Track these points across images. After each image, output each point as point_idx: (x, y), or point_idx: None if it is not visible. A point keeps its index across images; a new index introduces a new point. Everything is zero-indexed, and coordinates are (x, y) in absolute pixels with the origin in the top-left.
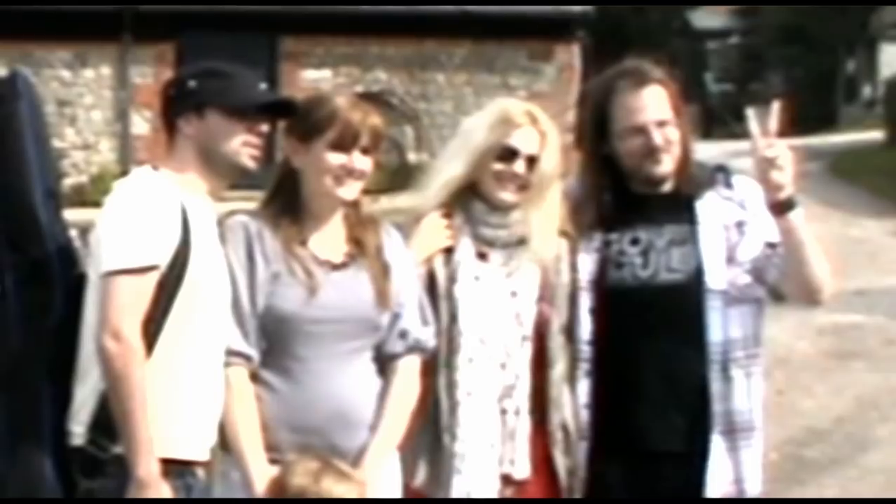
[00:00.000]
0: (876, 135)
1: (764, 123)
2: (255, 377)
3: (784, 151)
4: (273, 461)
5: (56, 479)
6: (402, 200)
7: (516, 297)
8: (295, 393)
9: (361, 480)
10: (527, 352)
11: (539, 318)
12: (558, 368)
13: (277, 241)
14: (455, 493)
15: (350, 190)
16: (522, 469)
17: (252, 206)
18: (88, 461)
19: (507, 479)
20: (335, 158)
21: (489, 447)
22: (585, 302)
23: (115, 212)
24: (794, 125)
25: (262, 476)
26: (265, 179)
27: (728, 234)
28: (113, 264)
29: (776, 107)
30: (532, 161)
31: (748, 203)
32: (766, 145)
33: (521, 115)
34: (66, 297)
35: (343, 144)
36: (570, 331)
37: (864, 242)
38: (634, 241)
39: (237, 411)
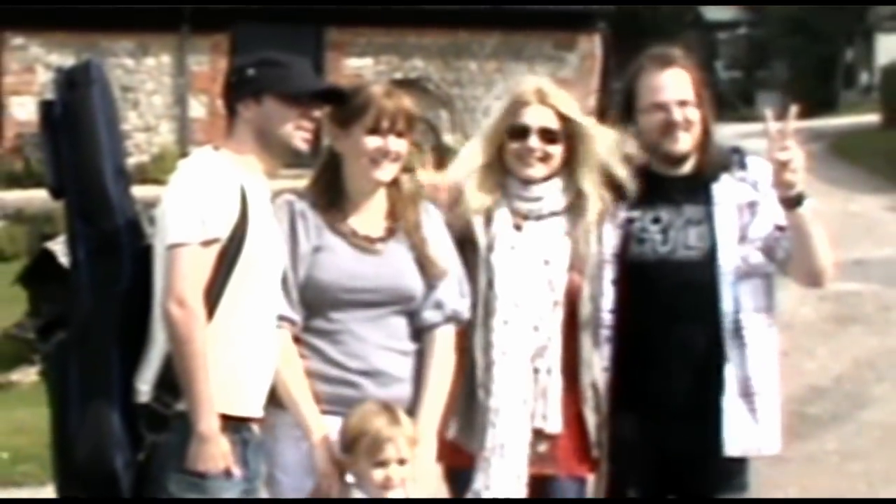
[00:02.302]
0: (873, 118)
1: (779, 125)
2: (297, 339)
3: (797, 154)
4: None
5: (124, 434)
6: (438, 179)
7: (549, 265)
8: (332, 351)
9: (412, 434)
10: (558, 316)
11: (570, 285)
12: (588, 332)
13: (320, 218)
14: (489, 444)
15: (386, 171)
16: (554, 424)
17: (302, 184)
18: (154, 417)
19: (539, 434)
20: (371, 142)
21: (522, 403)
22: (609, 273)
23: (178, 189)
24: (799, 109)
25: (317, 424)
26: (315, 160)
27: (741, 213)
28: (177, 237)
29: (793, 110)
30: (546, 133)
31: (760, 184)
32: (780, 148)
33: (530, 93)
34: (134, 266)
35: (378, 129)
36: (595, 299)
37: (862, 217)
38: (655, 220)
39: (288, 369)
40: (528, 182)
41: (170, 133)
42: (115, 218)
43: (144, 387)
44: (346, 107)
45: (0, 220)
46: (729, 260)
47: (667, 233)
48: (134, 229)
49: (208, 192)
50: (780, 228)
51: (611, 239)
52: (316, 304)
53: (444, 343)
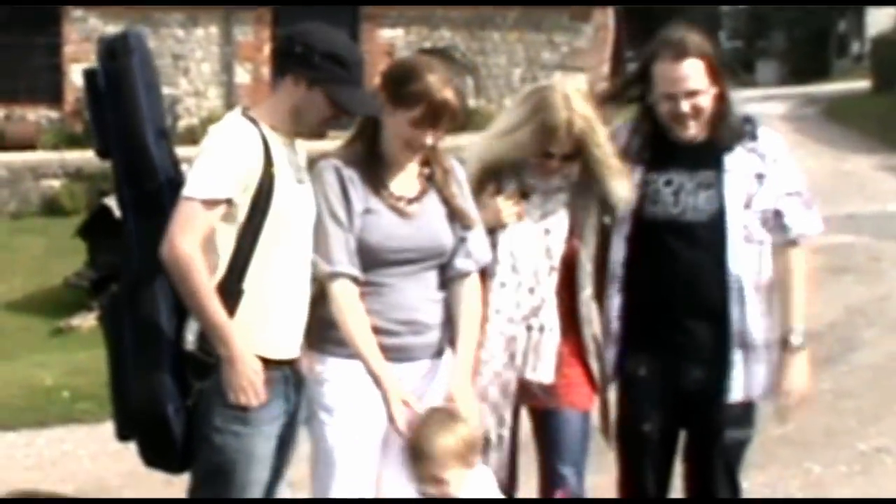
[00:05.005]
0: (864, 84)
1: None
2: None
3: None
4: None
5: (173, 383)
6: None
7: (549, 234)
8: (374, 304)
9: (468, 437)
10: (553, 280)
11: (569, 251)
12: (587, 292)
13: (364, 182)
14: (476, 390)
15: (415, 157)
16: (546, 375)
17: (337, 143)
18: (198, 365)
19: (530, 384)
20: (413, 133)
21: (510, 357)
22: (623, 230)
23: (202, 151)
24: (795, 76)
25: (386, 374)
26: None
27: (749, 183)
28: (187, 191)
29: None
30: (567, 157)
31: (769, 156)
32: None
33: (562, 124)
34: None
35: (424, 124)
36: (599, 258)
37: (854, 175)
38: (668, 182)
39: (355, 322)
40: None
41: (217, 98)
42: (157, 178)
43: (190, 336)
44: (399, 87)
45: (62, 178)
46: (734, 224)
47: (678, 195)
48: (176, 189)
49: (222, 156)
50: (790, 194)
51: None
52: (362, 262)
53: (474, 290)
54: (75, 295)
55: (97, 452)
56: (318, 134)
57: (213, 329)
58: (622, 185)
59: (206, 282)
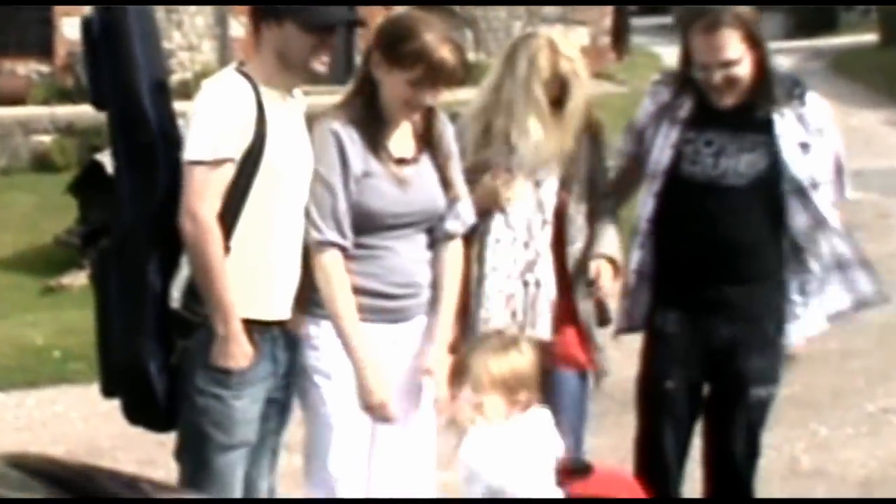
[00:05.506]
0: (871, 37)
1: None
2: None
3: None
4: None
5: (157, 340)
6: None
7: (540, 187)
8: (373, 268)
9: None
10: (547, 233)
11: (560, 204)
12: (576, 246)
13: (365, 143)
14: None
15: (414, 116)
16: (543, 331)
17: (334, 100)
18: (182, 323)
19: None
20: (412, 93)
21: (511, 315)
22: (654, 187)
23: (198, 108)
24: (801, 29)
25: (358, 338)
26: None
27: (792, 149)
28: (190, 155)
29: None
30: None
31: (814, 126)
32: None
33: (545, 66)
34: (169, 177)
35: (423, 84)
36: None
37: (861, 130)
38: (708, 143)
39: (336, 291)
40: None
41: (211, 52)
42: (150, 131)
43: (176, 293)
44: (395, 48)
45: (52, 133)
46: (777, 189)
47: (719, 157)
48: (171, 142)
49: (222, 113)
50: (838, 169)
51: (664, 155)
52: (361, 227)
53: (458, 251)
54: (66, 253)
55: (88, 414)
56: (316, 75)
57: (218, 308)
58: (568, 139)
59: (220, 257)
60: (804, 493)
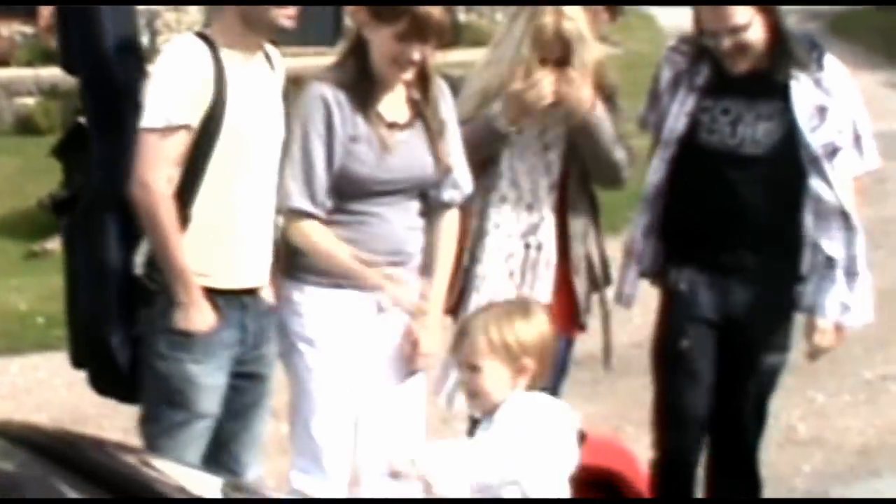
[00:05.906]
0: None
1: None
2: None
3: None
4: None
5: (120, 310)
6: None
7: (548, 150)
8: (360, 233)
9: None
10: (553, 198)
11: (564, 168)
12: (580, 208)
13: (354, 107)
14: (471, 308)
15: (408, 73)
16: (542, 293)
17: (324, 62)
18: (144, 291)
19: None
20: (399, 48)
21: (508, 274)
22: (665, 153)
23: (154, 75)
24: None
25: (375, 277)
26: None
27: (811, 117)
28: (144, 122)
29: None
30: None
31: (832, 90)
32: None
33: (549, 24)
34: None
35: (410, 38)
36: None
37: (860, 92)
38: (725, 111)
39: (327, 245)
40: None
41: (198, 12)
42: (119, 95)
43: (139, 259)
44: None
45: (36, 96)
46: (795, 157)
47: (736, 126)
48: (140, 107)
49: (175, 79)
50: (857, 136)
51: (678, 122)
52: (348, 192)
53: (454, 219)
54: (50, 217)
55: (73, 380)
56: (282, 30)
57: (175, 275)
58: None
59: (173, 222)
60: (801, 460)
